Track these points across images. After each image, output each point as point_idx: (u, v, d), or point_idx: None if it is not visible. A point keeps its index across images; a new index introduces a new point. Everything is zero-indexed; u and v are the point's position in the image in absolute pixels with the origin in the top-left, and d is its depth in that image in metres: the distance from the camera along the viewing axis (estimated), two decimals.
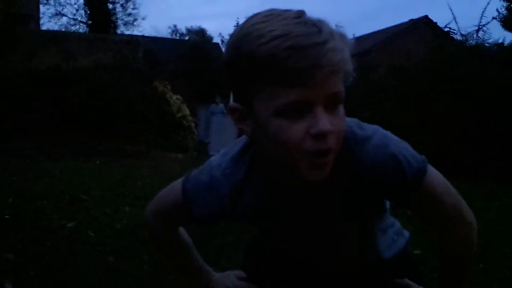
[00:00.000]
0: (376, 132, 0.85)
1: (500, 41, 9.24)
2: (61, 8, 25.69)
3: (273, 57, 0.70)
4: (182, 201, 0.95)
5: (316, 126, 0.73)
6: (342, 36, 0.76)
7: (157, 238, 1.09)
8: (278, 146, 0.76)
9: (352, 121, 0.87)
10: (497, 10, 11.37)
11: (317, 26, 0.72)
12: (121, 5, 24.62)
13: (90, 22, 22.67)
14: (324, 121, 0.73)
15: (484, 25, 9.24)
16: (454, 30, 9.74)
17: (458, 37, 9.60)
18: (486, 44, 9.14)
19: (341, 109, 0.77)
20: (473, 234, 0.94)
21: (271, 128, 0.75)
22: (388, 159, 0.83)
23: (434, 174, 0.88)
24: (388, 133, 0.86)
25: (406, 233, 1.11)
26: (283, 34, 0.70)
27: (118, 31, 23.44)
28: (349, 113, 0.82)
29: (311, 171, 0.77)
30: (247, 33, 0.73)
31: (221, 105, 12.33)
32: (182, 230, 1.09)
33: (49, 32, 17.97)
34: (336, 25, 0.77)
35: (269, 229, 1.01)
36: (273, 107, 0.73)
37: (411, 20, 18.55)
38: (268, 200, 0.91)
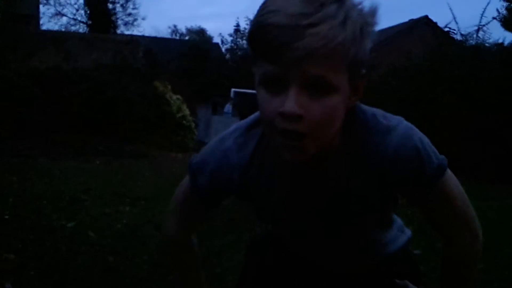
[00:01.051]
0: (400, 123, 0.85)
1: (500, 41, 9.24)
2: (61, 8, 25.72)
3: (258, 31, 0.73)
4: (189, 184, 0.94)
5: (282, 105, 0.72)
6: (355, 23, 0.71)
7: (174, 245, 1.08)
8: (261, 117, 0.78)
9: (376, 111, 0.86)
10: (497, 10, 11.34)
11: (325, 6, 0.69)
12: (121, 5, 24.62)
13: (90, 22, 22.67)
14: (291, 103, 0.71)
15: (484, 25, 9.23)
16: (454, 30, 9.74)
17: (458, 37, 9.59)
18: (486, 44, 9.12)
19: (331, 99, 0.73)
20: (477, 245, 0.93)
21: (258, 97, 0.77)
22: (410, 151, 0.82)
23: (451, 175, 0.88)
24: (412, 126, 0.86)
25: (408, 232, 1.10)
26: (274, 10, 0.71)
27: (118, 31, 23.44)
28: None
29: (286, 150, 0.76)
30: (262, 3, 0.75)
31: None
32: (195, 242, 1.08)
33: (49, 32, 17.94)
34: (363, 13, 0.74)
35: (274, 215, 0.98)
36: (258, 76, 0.76)
37: (411, 20, 18.52)
38: (276, 178, 0.90)
